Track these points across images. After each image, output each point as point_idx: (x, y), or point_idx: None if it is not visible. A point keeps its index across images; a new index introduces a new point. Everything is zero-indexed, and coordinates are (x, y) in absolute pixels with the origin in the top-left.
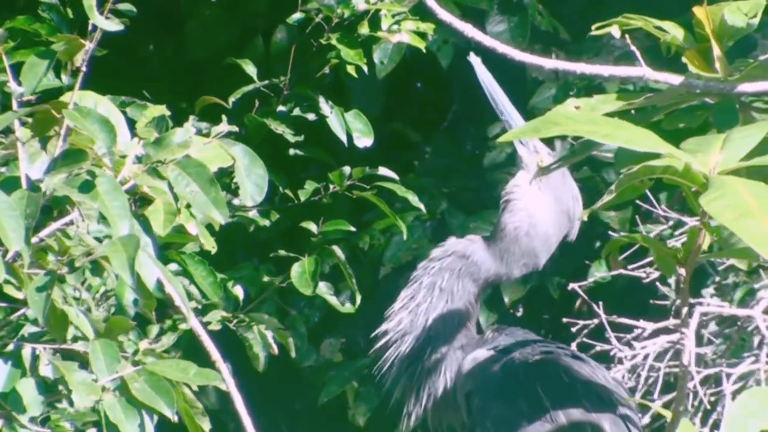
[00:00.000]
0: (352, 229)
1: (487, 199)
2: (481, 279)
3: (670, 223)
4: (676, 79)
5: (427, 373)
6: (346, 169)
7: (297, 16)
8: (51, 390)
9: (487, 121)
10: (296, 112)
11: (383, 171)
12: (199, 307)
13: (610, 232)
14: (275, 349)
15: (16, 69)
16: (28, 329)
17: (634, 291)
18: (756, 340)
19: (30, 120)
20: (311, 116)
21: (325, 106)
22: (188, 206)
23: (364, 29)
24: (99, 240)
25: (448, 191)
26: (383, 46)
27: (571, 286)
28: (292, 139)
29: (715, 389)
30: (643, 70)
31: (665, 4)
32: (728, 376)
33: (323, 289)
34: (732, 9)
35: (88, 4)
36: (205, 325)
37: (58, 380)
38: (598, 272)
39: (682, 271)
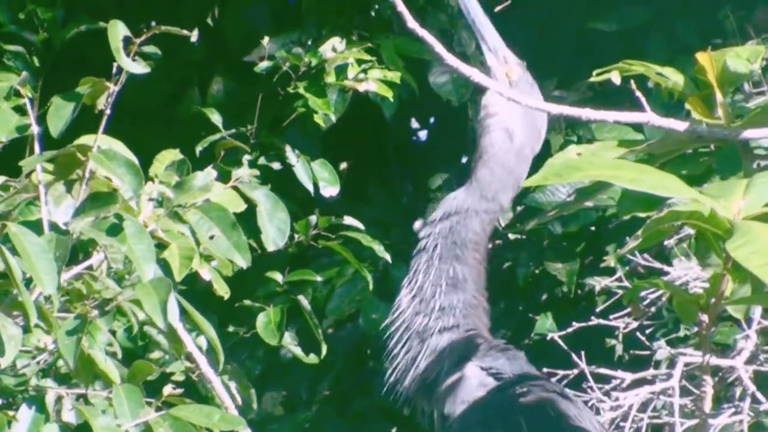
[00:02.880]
0: (319, 278)
1: None
2: (474, 228)
3: (619, 275)
4: (680, 125)
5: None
6: (313, 219)
7: (264, 64)
8: None
9: (428, 173)
10: (262, 161)
11: (349, 220)
12: (166, 357)
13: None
14: (239, 400)
15: None
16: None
17: (581, 343)
18: (738, 390)
19: (47, 164)
20: (277, 165)
21: (291, 155)
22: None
23: (330, 78)
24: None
25: (389, 243)
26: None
27: (550, 335)
28: None
29: None
30: (648, 116)
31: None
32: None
33: (288, 339)
34: (732, 55)
35: (114, 46)
36: (169, 375)
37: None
38: (544, 325)
39: (705, 317)
